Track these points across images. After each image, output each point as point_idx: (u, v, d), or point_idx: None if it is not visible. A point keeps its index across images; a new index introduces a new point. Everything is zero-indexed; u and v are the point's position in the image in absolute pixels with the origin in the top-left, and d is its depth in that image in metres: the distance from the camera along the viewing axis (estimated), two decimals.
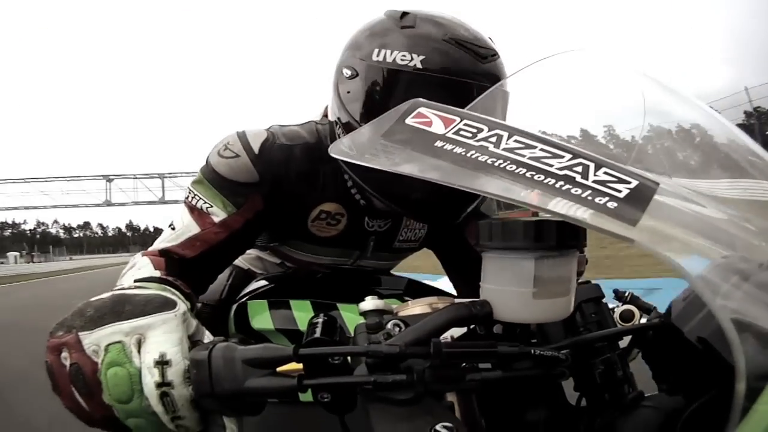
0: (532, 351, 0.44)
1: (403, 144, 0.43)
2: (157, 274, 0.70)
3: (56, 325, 0.47)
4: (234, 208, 0.81)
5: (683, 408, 0.43)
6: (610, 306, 0.58)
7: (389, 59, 0.74)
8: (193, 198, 0.82)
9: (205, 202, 0.81)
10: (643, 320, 0.67)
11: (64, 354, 0.45)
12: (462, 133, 0.42)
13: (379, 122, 0.47)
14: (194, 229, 0.80)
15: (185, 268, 0.78)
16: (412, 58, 0.72)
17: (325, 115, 0.95)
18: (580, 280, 0.55)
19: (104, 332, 0.45)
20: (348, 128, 0.80)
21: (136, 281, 0.61)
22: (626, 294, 0.71)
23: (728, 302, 0.28)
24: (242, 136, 0.83)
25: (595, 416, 0.50)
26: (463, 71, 0.72)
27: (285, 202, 0.85)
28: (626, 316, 0.69)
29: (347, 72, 0.80)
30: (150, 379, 0.44)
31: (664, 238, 0.32)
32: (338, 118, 0.83)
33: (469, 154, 0.39)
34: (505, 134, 0.40)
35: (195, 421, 0.46)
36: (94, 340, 0.45)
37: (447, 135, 0.42)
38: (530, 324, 0.49)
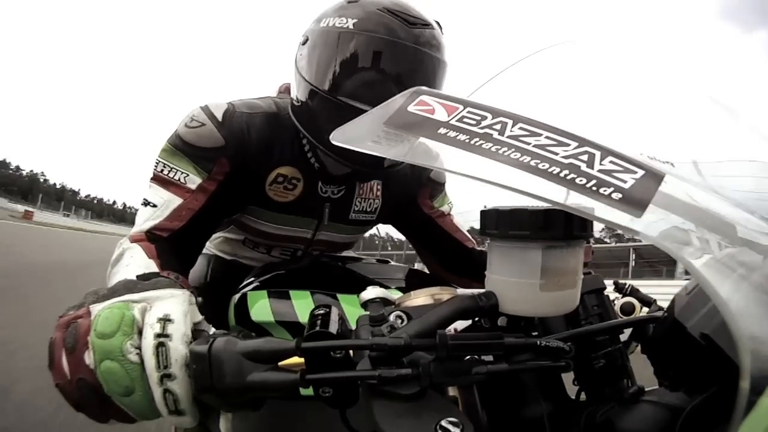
0: (538, 342, 0.43)
1: (405, 131, 0.42)
2: (153, 266, 0.73)
3: (68, 308, 0.48)
4: (206, 173, 0.90)
5: (684, 404, 0.42)
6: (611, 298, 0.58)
7: (330, 24, 0.87)
8: (166, 170, 0.89)
9: (180, 172, 0.89)
10: (644, 312, 0.67)
11: (65, 359, 0.44)
12: (466, 120, 0.41)
13: (380, 109, 0.46)
14: (176, 200, 0.88)
15: (175, 242, 0.85)
16: (347, 21, 0.85)
17: (281, 92, 1.08)
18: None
19: (114, 300, 0.47)
20: (301, 89, 0.91)
21: (138, 277, 0.61)
22: (626, 286, 0.71)
23: (733, 296, 0.28)
24: (205, 108, 0.92)
25: (595, 410, 0.49)
26: (390, 32, 0.83)
27: (247, 164, 0.93)
28: (627, 309, 0.69)
29: (302, 39, 0.94)
30: (150, 331, 0.44)
31: (668, 229, 0.31)
32: (294, 82, 0.94)
33: (473, 142, 0.38)
34: (510, 122, 0.39)
35: (194, 415, 0.45)
36: (103, 306, 0.46)
37: (450, 122, 0.41)
38: (534, 317, 0.49)
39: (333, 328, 0.42)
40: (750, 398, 0.24)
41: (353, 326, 0.47)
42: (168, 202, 0.87)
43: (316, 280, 0.88)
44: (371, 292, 0.51)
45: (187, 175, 0.89)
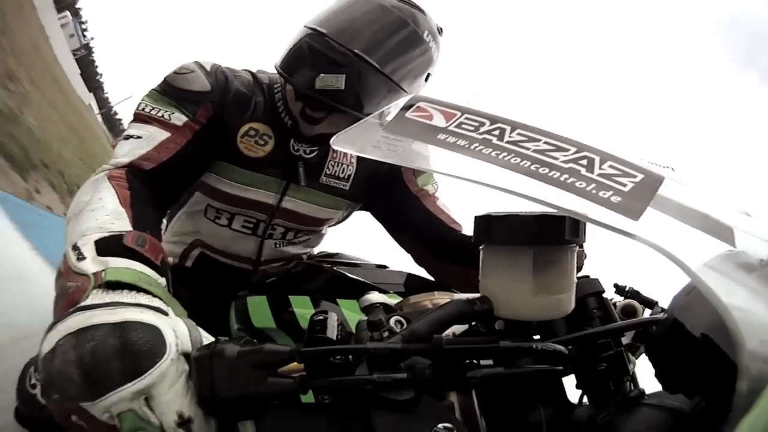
0: (535, 346, 0.43)
1: (404, 137, 0.43)
2: (124, 216, 0.66)
3: (45, 387, 0.44)
4: (191, 115, 0.92)
5: (685, 406, 0.43)
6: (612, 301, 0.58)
7: None
8: (150, 109, 0.90)
9: (166, 111, 0.90)
10: (646, 314, 0.67)
11: (74, 417, 0.43)
12: (464, 126, 0.41)
13: (379, 117, 0.46)
14: (162, 134, 0.88)
15: (155, 180, 0.83)
16: None
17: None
18: (579, 275, 0.55)
19: (108, 402, 0.42)
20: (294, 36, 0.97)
21: (98, 253, 0.55)
22: (627, 288, 0.71)
23: (731, 298, 0.28)
24: (195, 61, 0.98)
25: (596, 414, 0.49)
26: None
27: (224, 113, 0.96)
28: (628, 311, 0.69)
29: None
30: None
31: (666, 233, 0.32)
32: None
33: (472, 147, 0.39)
34: (508, 128, 0.40)
35: None
36: (102, 409, 0.42)
37: (449, 128, 0.42)
38: (532, 321, 0.49)
39: (332, 333, 0.43)
40: (748, 398, 0.24)
41: (354, 331, 0.47)
42: (153, 134, 0.88)
43: (315, 286, 0.88)
44: (371, 297, 0.51)
45: (173, 113, 0.91)
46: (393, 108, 0.46)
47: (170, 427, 0.43)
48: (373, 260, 1.09)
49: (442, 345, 0.42)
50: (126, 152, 0.84)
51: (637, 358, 0.56)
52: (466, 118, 0.42)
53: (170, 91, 0.93)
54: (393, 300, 0.61)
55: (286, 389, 0.42)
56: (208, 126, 0.94)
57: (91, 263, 0.53)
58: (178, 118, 0.91)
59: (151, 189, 0.81)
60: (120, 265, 0.53)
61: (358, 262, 1.07)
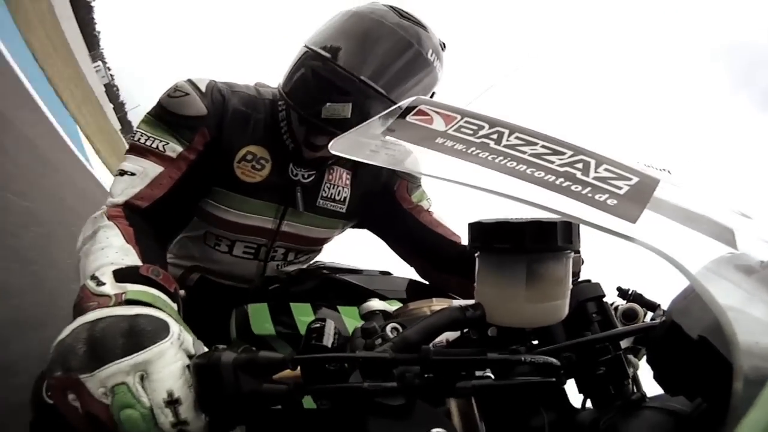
0: (523, 358, 0.43)
1: (403, 141, 0.43)
2: (133, 252, 0.68)
3: (50, 364, 0.45)
4: (187, 143, 0.90)
5: (686, 408, 0.42)
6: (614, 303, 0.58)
7: (344, 9, 0.96)
8: (145, 139, 0.88)
9: (160, 141, 0.88)
10: (648, 317, 0.67)
11: (71, 396, 0.44)
12: (463, 130, 0.42)
13: (379, 119, 0.47)
14: (156, 168, 0.87)
15: (154, 215, 0.83)
16: (357, 7, 0.94)
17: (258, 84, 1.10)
18: (579, 279, 0.55)
19: (105, 373, 0.43)
20: (295, 57, 0.96)
21: (116, 280, 0.57)
22: (629, 291, 0.71)
23: (728, 300, 0.28)
24: (189, 81, 0.94)
25: (598, 418, 0.49)
26: (384, 16, 0.91)
27: (222, 136, 0.94)
28: (629, 315, 0.69)
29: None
30: (165, 419, 0.43)
31: (663, 235, 0.32)
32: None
33: (470, 151, 0.39)
34: (506, 131, 0.40)
35: None
36: (98, 382, 0.43)
37: (448, 132, 0.42)
38: (525, 328, 0.49)
39: (328, 341, 0.43)
40: (745, 399, 0.24)
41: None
42: (147, 170, 0.86)
43: (318, 293, 0.88)
44: (371, 305, 0.52)
45: (167, 143, 0.88)
46: (393, 111, 0.47)
47: (158, 405, 0.43)
48: (378, 267, 1.10)
49: (430, 355, 0.42)
50: (120, 191, 0.84)
51: (640, 360, 0.56)
52: (465, 122, 0.42)
53: (165, 116, 0.90)
54: (393, 307, 0.61)
55: (280, 394, 0.43)
56: (204, 152, 0.92)
57: (111, 287, 0.55)
58: (173, 150, 0.88)
59: (150, 224, 0.81)
60: (138, 289, 0.55)
61: (361, 269, 1.07)
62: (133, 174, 0.85)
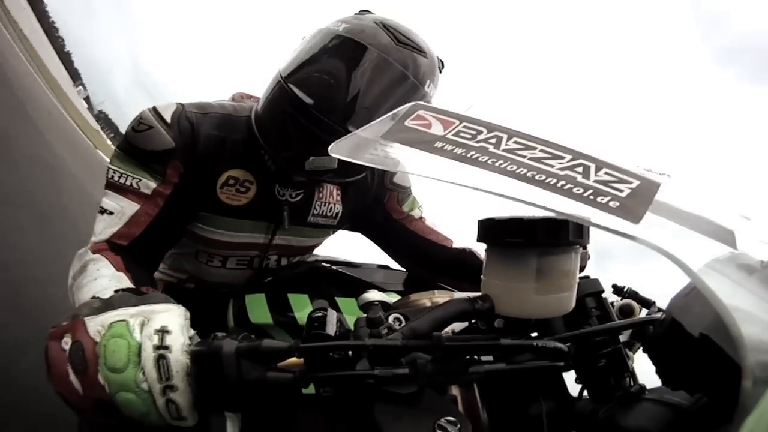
0: (536, 344, 0.44)
1: (402, 145, 0.43)
2: (125, 278, 0.70)
3: (60, 319, 0.47)
4: (160, 177, 0.86)
5: (685, 402, 0.43)
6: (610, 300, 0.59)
7: (327, 25, 0.87)
8: (119, 177, 0.86)
9: (133, 177, 0.85)
10: (643, 314, 0.68)
11: (66, 339, 0.45)
12: (462, 134, 0.42)
13: (378, 124, 0.47)
14: (133, 206, 0.85)
15: (136, 251, 0.83)
16: (340, 26, 0.85)
17: (235, 100, 1.03)
18: (581, 275, 0.56)
19: (110, 314, 0.46)
20: (288, 75, 0.86)
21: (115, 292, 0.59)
22: (625, 289, 0.72)
23: (731, 299, 0.29)
24: (153, 110, 0.88)
25: (597, 408, 0.50)
26: (375, 44, 0.81)
27: (198, 166, 0.89)
28: (626, 311, 0.71)
29: (302, 37, 0.91)
30: (149, 343, 0.44)
31: (666, 236, 0.32)
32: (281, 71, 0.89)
33: (469, 155, 0.39)
34: (505, 136, 0.40)
35: (193, 419, 0.46)
36: (100, 322, 0.46)
37: (447, 136, 0.42)
38: (530, 319, 0.50)
39: (330, 330, 0.43)
40: (753, 397, 0.25)
41: (352, 329, 0.48)
42: (125, 208, 0.84)
43: (315, 285, 0.88)
44: (370, 296, 0.52)
45: (140, 180, 0.85)
46: (391, 116, 0.47)
47: (148, 335, 0.45)
48: (376, 261, 1.10)
49: (443, 342, 0.42)
50: (100, 231, 0.84)
51: (634, 354, 0.57)
52: (464, 127, 0.42)
53: (133, 152, 0.86)
54: (391, 298, 0.61)
55: (285, 382, 0.43)
56: (180, 183, 0.88)
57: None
58: (147, 186, 0.85)
59: (135, 258, 0.81)
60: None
61: (358, 262, 1.07)
62: (111, 213, 0.84)
